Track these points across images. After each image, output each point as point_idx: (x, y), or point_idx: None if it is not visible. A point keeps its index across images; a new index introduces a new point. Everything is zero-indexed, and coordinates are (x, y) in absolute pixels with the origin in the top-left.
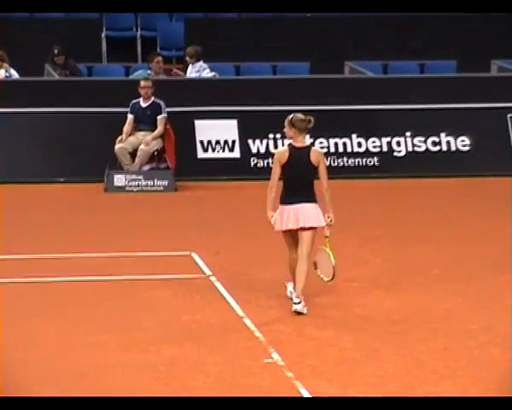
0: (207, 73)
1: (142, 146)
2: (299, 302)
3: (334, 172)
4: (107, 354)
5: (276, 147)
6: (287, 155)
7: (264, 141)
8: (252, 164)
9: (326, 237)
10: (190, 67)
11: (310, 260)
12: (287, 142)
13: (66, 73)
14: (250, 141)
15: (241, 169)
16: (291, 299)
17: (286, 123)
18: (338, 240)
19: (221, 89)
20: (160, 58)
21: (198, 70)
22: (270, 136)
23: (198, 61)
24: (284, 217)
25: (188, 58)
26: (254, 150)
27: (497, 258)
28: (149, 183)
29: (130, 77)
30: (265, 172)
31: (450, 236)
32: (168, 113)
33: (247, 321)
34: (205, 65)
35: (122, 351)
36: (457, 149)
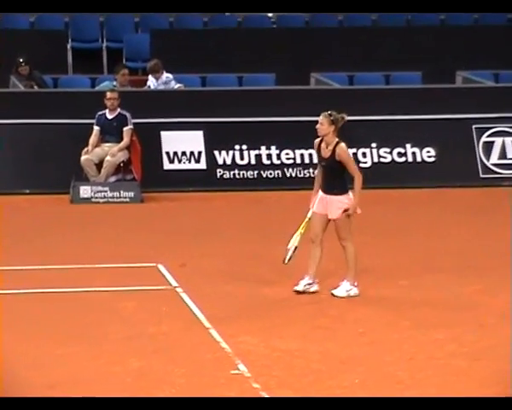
0: (174, 85)
1: (108, 157)
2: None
3: (300, 184)
4: (74, 367)
5: (242, 158)
6: None
7: (231, 152)
8: (218, 175)
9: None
10: (154, 80)
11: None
12: (254, 153)
13: (32, 85)
14: (216, 152)
15: (207, 180)
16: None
17: (325, 120)
18: (308, 252)
19: (187, 100)
20: (125, 71)
21: (165, 82)
22: (237, 147)
23: (161, 73)
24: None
25: (152, 73)
26: (220, 162)
27: (462, 268)
28: (115, 194)
29: (96, 88)
30: (231, 184)
31: (416, 246)
32: (134, 124)
33: (214, 333)
34: (170, 76)
35: (89, 363)
36: (423, 160)
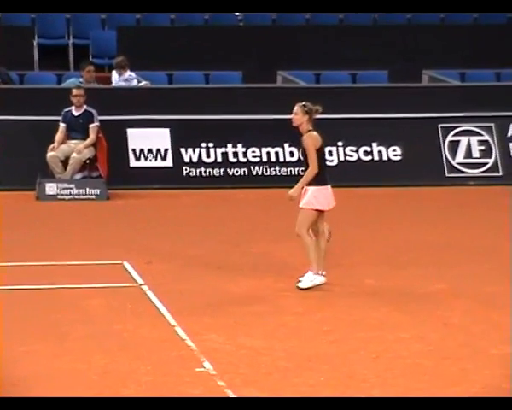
0: (136, 83)
1: (73, 154)
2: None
3: (266, 182)
4: (38, 364)
5: (208, 156)
6: (320, 139)
7: (197, 150)
8: (184, 173)
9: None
10: (117, 76)
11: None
12: (220, 151)
13: None
14: (182, 150)
15: (173, 178)
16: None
17: (299, 110)
18: (273, 250)
19: (153, 97)
20: (91, 67)
21: (127, 79)
22: (203, 145)
23: (126, 71)
24: (328, 197)
25: (118, 69)
26: (187, 159)
27: (428, 267)
28: (81, 191)
29: (62, 85)
30: (198, 182)
31: (382, 245)
32: (100, 121)
33: (179, 330)
34: (133, 75)
35: (54, 361)
36: (389, 159)
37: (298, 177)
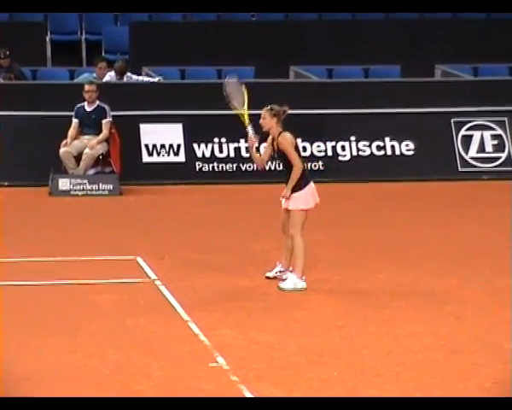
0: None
1: (86, 150)
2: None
3: (278, 176)
4: (51, 359)
5: (221, 151)
6: (293, 138)
7: (210, 145)
8: (197, 168)
9: None
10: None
11: None
12: (233, 146)
13: (11, 77)
14: (195, 145)
15: (186, 173)
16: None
17: (266, 113)
18: (280, 247)
19: (166, 93)
20: (103, 64)
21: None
22: (216, 140)
23: (125, 74)
24: (314, 194)
25: (118, 75)
26: (199, 154)
27: (440, 262)
28: (94, 187)
29: (76, 80)
30: (210, 177)
31: (395, 241)
32: (113, 117)
33: (192, 325)
34: (133, 76)
35: (66, 355)
36: (402, 154)
37: (310, 172)
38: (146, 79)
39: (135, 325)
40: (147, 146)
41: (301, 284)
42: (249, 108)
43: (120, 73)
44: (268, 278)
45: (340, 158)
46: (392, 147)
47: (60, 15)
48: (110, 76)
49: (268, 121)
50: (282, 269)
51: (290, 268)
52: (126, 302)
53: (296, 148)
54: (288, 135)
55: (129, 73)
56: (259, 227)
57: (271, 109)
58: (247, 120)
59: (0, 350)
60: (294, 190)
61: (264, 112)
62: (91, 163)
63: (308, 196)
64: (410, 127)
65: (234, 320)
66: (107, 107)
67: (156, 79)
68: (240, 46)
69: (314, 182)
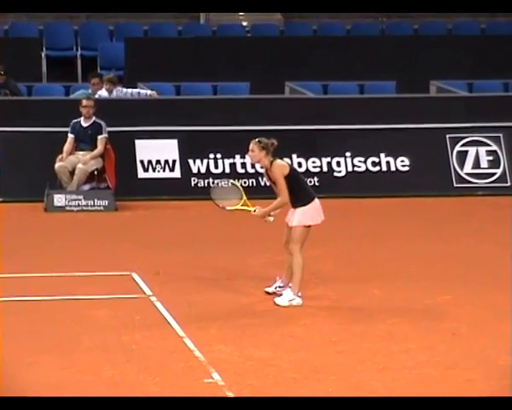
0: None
1: (79, 165)
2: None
3: (275, 192)
4: (46, 375)
5: (216, 167)
6: (286, 164)
7: (205, 161)
8: (192, 184)
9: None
10: (106, 93)
11: None
12: (228, 162)
13: (6, 93)
14: (191, 161)
15: (181, 189)
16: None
17: (255, 146)
18: (275, 262)
19: (161, 109)
20: (95, 80)
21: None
22: (211, 156)
23: (115, 86)
24: (318, 210)
25: (109, 84)
26: (195, 170)
27: (436, 278)
28: (89, 202)
29: (71, 96)
30: (206, 192)
31: (389, 257)
32: (109, 132)
33: (188, 341)
34: (123, 89)
35: (61, 372)
36: (397, 170)
37: None
38: (136, 91)
39: (130, 341)
40: (142, 162)
41: (297, 301)
42: (244, 125)
43: (111, 83)
44: (267, 293)
45: (335, 174)
46: (388, 163)
47: (55, 31)
48: (99, 94)
49: (257, 154)
50: (281, 285)
51: (290, 284)
52: (121, 318)
53: (289, 174)
54: (278, 163)
55: (119, 87)
56: (255, 242)
57: (260, 142)
58: (251, 208)
59: None
60: (298, 205)
61: (252, 145)
62: (84, 178)
63: (312, 212)
64: (405, 143)
65: (229, 336)
66: (103, 123)
67: (149, 92)
68: (235, 62)
69: None
